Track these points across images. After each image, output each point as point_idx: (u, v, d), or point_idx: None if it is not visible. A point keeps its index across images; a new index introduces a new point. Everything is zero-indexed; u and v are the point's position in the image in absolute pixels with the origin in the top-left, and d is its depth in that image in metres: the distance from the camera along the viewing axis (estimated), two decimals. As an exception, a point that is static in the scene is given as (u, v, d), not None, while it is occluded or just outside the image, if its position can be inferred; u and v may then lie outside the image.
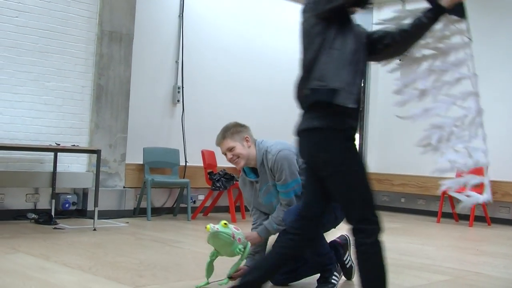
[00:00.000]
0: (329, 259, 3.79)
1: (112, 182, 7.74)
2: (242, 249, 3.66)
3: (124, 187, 7.88)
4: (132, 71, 7.97)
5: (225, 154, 3.82)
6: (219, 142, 3.83)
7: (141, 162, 8.11)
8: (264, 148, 3.78)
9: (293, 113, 10.48)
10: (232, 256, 3.72)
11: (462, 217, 9.27)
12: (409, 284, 4.36)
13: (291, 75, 10.25)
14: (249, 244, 3.74)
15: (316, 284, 3.82)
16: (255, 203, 4.02)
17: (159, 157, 8.32)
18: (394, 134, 10.70)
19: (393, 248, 6.22)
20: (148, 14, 8.46)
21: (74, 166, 7.53)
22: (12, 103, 6.96)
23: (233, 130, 3.82)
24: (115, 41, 7.77)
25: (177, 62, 8.78)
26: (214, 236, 3.59)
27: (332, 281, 3.78)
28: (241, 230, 3.74)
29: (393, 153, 10.75)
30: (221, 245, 3.63)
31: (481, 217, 9.06)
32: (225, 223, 3.61)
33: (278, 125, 9.29)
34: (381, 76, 10.97)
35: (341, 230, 3.86)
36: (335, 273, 3.81)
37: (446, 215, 9.33)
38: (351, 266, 4.11)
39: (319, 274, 3.85)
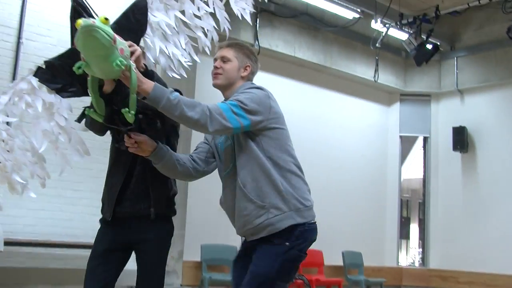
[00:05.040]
0: None
1: (169, 280, 7.61)
2: (121, 65, 2.50)
3: (181, 285, 7.75)
4: (190, 167, 7.99)
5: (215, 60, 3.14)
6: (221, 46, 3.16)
7: (199, 260, 7.98)
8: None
9: (343, 208, 10.28)
10: (106, 73, 2.61)
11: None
12: None
13: (348, 170, 9.97)
14: (133, 67, 2.62)
15: None
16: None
17: (217, 254, 8.18)
18: (458, 227, 10.32)
19: None
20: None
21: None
22: (72, 200, 7.03)
23: (244, 47, 3.16)
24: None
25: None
26: (87, 34, 2.40)
27: None
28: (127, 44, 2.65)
29: (457, 248, 10.31)
30: (94, 48, 2.45)
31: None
32: (106, 18, 2.47)
33: (331, 218, 9.17)
34: (441, 168, 10.77)
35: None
36: None
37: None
38: None
39: None
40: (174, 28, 3.18)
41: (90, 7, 3.07)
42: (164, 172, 3.13)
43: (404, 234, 15.47)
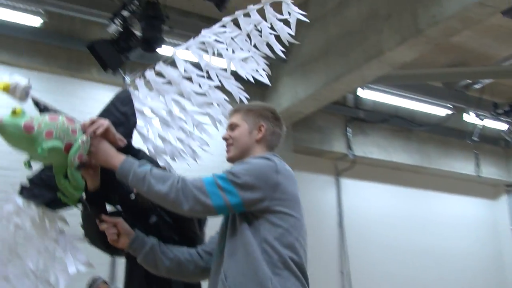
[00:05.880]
0: None
1: None
2: (47, 150, 2.23)
3: None
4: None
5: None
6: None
7: None
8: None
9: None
10: (43, 161, 2.40)
11: None
12: None
13: (460, 272, 9.37)
14: (82, 139, 2.30)
15: None
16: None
17: None
18: None
19: None
20: (307, 226, 8.36)
21: None
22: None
23: (256, 107, 2.59)
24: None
25: (342, 272, 8.44)
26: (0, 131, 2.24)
27: None
28: (69, 123, 2.35)
29: None
30: (15, 143, 2.26)
31: None
32: (16, 112, 2.23)
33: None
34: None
35: None
36: None
37: None
38: None
39: None
40: (174, 112, 2.80)
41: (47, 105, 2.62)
42: (149, 269, 2.49)
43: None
